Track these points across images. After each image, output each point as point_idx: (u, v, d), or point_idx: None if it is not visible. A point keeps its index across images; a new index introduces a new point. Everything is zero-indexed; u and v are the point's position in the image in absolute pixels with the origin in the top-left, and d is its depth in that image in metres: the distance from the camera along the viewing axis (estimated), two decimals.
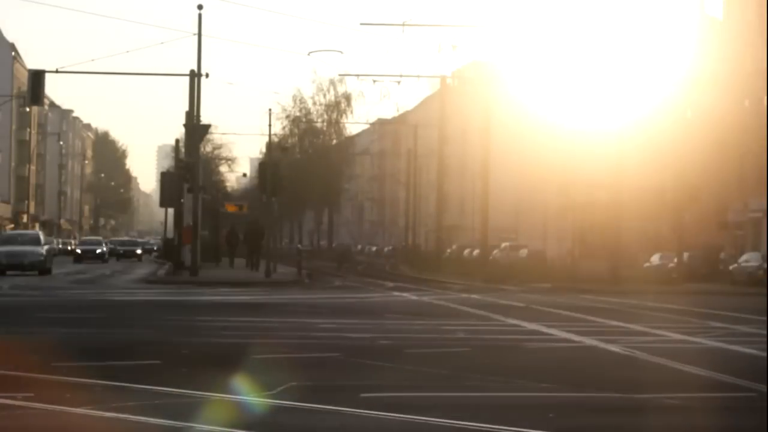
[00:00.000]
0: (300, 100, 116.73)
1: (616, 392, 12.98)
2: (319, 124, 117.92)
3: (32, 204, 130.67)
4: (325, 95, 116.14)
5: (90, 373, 13.30)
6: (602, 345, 18.56)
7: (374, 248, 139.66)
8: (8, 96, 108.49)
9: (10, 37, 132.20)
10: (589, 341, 19.22)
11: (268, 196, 47.68)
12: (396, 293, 36.94)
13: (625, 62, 51.93)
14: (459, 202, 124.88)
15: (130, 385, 12.48)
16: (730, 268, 57.22)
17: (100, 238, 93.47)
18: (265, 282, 43.02)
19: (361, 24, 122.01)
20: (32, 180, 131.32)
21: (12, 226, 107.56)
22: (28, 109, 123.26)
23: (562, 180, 58.22)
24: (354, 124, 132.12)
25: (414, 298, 33.99)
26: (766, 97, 71.04)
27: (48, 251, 50.23)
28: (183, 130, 48.92)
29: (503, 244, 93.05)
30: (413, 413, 11.00)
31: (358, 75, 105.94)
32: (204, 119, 46.55)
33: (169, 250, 62.62)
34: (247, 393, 12.21)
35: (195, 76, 45.27)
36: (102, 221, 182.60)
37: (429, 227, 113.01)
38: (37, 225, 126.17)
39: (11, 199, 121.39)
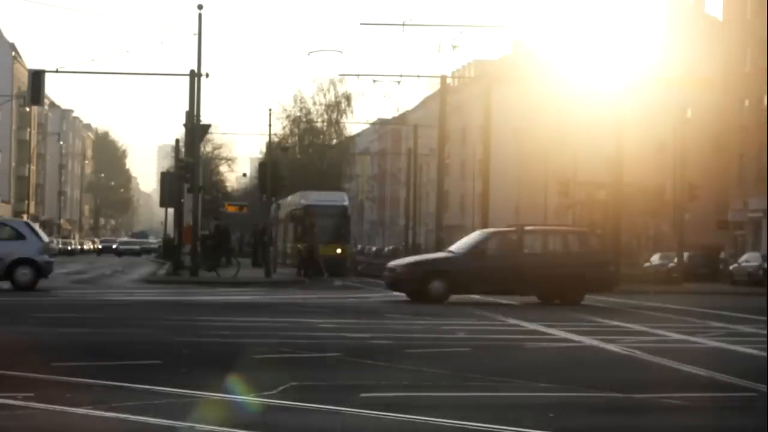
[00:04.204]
0: (300, 99, 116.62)
1: (616, 392, 12.99)
2: (319, 124, 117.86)
3: (32, 204, 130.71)
4: (325, 95, 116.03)
5: (90, 373, 13.30)
6: (602, 345, 18.56)
7: (374, 248, 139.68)
8: (8, 96, 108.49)
9: (10, 37, 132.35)
10: (589, 341, 19.23)
11: (268, 196, 47.64)
12: (396, 293, 36.89)
13: (625, 60, 51.89)
14: (459, 202, 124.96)
15: (130, 385, 12.47)
16: (730, 268, 57.22)
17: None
18: (265, 282, 43.00)
19: (361, 24, 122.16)
20: (32, 180, 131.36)
21: None
22: (28, 109, 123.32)
23: (562, 179, 58.32)
24: (354, 124, 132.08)
25: None
26: (766, 97, 71.05)
27: None
28: (183, 130, 48.89)
29: None
30: (413, 413, 11.00)
31: (358, 75, 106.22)
32: (204, 119, 46.54)
33: (169, 250, 62.61)
34: (246, 393, 12.21)
35: (195, 76, 45.25)
36: (102, 221, 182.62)
37: (429, 227, 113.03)
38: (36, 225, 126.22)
39: (11, 199, 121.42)
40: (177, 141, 63.66)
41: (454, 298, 31.08)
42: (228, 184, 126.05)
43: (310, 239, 49.44)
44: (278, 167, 48.21)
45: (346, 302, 31.28)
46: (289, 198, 65.55)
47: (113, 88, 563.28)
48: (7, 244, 34.45)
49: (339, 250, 57.01)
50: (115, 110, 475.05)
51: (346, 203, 61.25)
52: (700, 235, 70.53)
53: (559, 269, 31.13)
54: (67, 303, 28.67)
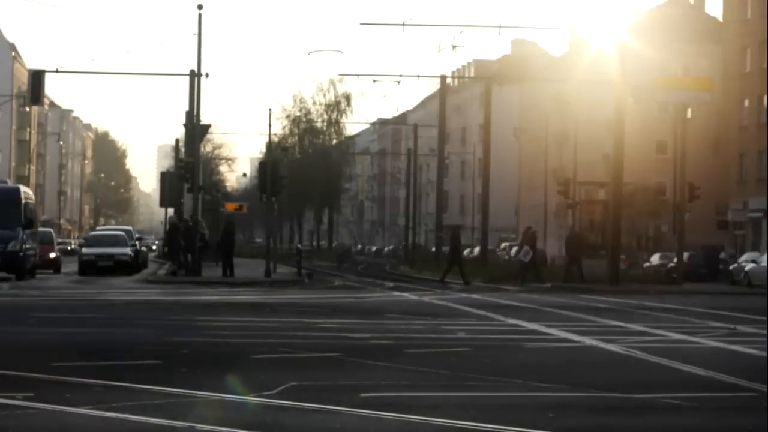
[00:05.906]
0: (300, 99, 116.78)
1: (616, 392, 12.98)
2: (319, 124, 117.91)
3: None
4: (325, 95, 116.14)
5: (90, 373, 13.29)
6: (602, 345, 18.55)
7: (374, 248, 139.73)
8: (8, 96, 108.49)
9: (10, 37, 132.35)
10: (589, 341, 19.22)
11: (268, 196, 47.62)
12: (396, 293, 36.92)
13: (625, 60, 51.78)
14: (459, 202, 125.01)
15: (130, 385, 12.47)
16: (730, 268, 57.21)
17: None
18: (265, 282, 42.99)
19: (361, 24, 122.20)
20: (32, 180, 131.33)
21: None
22: (28, 109, 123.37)
23: (562, 179, 58.23)
24: (354, 124, 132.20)
25: (414, 298, 33.97)
26: (766, 97, 71.05)
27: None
28: (183, 130, 48.91)
29: (503, 244, 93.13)
30: (413, 413, 11.00)
31: (358, 75, 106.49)
32: (204, 119, 46.58)
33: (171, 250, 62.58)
34: (246, 393, 12.20)
35: (195, 76, 45.25)
36: (102, 221, 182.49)
37: (429, 227, 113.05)
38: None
39: None
40: (177, 141, 63.73)
41: (455, 296, 31.06)
42: (228, 184, 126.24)
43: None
44: (278, 167, 48.15)
45: (345, 302, 31.28)
46: None
47: (113, 88, 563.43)
48: None
49: None
50: (115, 110, 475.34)
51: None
52: (700, 235, 70.51)
53: None
54: (67, 303, 28.67)
